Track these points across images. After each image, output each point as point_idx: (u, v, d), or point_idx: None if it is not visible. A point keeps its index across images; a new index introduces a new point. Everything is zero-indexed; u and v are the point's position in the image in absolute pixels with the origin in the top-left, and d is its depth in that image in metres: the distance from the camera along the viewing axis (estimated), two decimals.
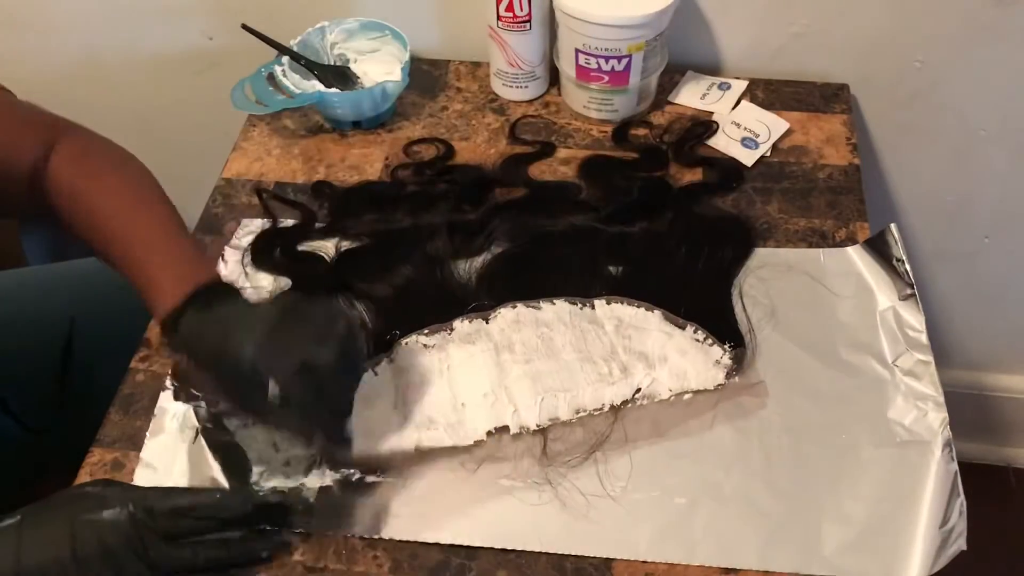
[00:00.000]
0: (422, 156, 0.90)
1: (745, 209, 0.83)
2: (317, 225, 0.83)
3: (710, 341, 0.71)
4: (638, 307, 0.73)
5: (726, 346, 0.70)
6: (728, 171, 0.86)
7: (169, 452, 0.67)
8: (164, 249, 0.64)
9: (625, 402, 0.68)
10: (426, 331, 0.73)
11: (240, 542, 0.61)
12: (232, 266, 0.80)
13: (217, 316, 0.60)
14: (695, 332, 0.71)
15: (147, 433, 0.69)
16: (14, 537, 0.56)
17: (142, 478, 0.66)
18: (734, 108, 0.92)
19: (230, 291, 0.63)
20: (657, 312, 0.73)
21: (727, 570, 0.61)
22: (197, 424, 0.68)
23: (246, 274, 0.79)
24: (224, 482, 0.66)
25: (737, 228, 0.81)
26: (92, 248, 0.67)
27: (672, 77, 0.95)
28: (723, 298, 0.75)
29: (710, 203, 0.84)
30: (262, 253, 0.81)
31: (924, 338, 0.71)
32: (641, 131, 0.91)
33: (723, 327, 0.72)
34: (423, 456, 0.66)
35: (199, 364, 0.61)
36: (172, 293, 0.60)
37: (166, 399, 0.70)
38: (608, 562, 0.62)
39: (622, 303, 0.74)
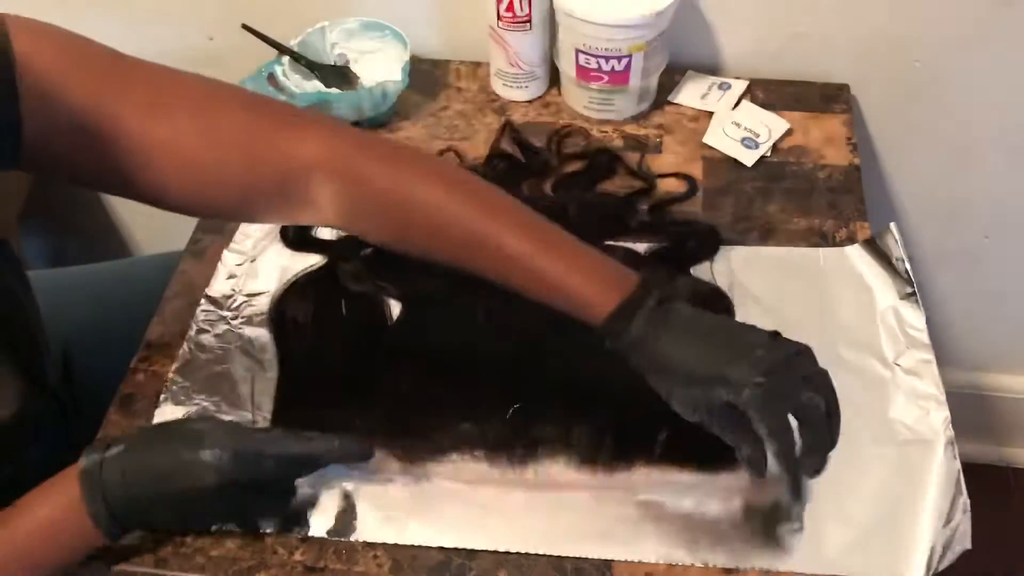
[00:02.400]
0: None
1: (745, 210, 0.83)
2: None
3: None
4: None
5: None
6: (703, 237, 0.80)
7: None
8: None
9: None
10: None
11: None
12: (232, 269, 0.79)
13: None
14: None
15: None
16: (118, 468, 0.57)
17: None
18: (734, 108, 0.92)
19: None
20: None
21: (728, 570, 0.61)
22: None
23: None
24: None
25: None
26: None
27: (672, 77, 0.95)
28: None
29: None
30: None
31: (925, 337, 0.71)
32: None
33: None
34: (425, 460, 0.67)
35: None
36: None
37: (165, 401, 0.70)
38: (608, 562, 0.62)
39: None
